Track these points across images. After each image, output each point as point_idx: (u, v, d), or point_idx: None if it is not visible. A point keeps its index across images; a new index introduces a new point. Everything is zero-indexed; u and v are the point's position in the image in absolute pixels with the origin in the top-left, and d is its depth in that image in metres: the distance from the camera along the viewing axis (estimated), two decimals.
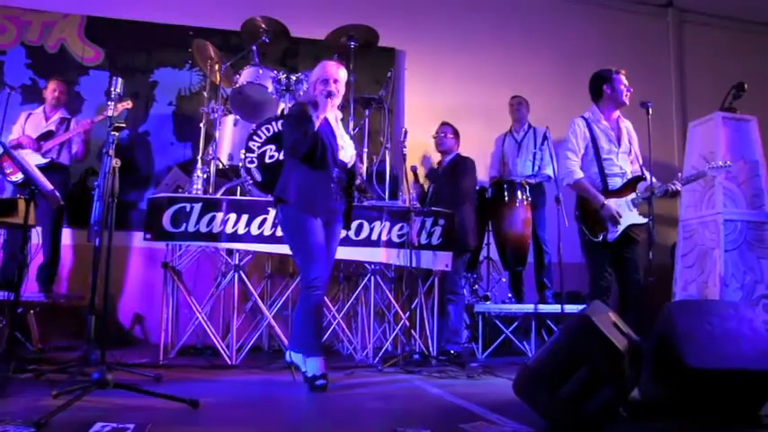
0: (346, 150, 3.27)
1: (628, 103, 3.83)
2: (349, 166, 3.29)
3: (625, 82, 3.81)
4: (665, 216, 5.53)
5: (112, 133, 2.80)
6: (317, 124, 3.13)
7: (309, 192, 3.16)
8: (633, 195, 3.69)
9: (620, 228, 3.65)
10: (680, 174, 3.89)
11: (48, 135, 4.78)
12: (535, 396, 2.28)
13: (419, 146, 5.41)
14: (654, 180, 3.68)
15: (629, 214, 3.67)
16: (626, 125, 3.88)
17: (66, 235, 5.08)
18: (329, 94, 3.18)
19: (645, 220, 3.66)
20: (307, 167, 3.18)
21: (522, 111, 5.43)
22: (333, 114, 3.28)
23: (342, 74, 3.28)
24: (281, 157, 4.23)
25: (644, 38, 6.81)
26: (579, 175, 3.77)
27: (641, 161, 3.88)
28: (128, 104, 4.78)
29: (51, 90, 4.94)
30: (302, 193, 3.16)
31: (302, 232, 3.14)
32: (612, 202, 3.67)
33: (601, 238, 3.68)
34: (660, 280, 4.93)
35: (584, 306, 2.94)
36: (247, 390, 3.11)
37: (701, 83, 6.69)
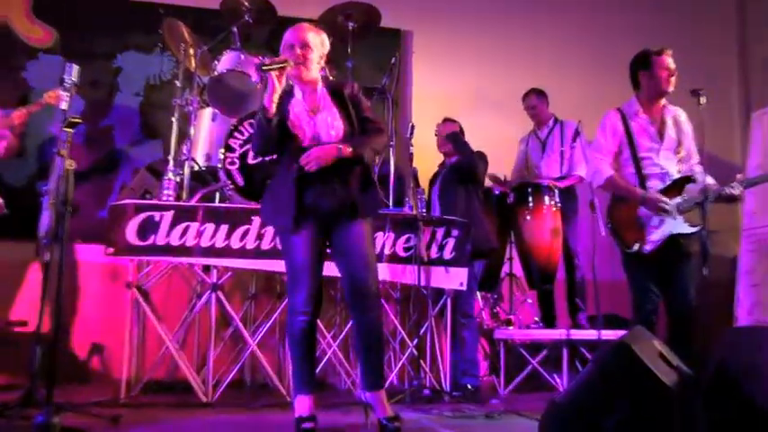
0: (322, 129, 3.06)
1: (670, 90, 3.73)
2: (333, 141, 3.05)
3: (668, 65, 3.70)
4: (726, 224, 5.45)
5: (65, 130, 2.79)
6: (271, 108, 2.94)
7: (279, 198, 3.05)
8: (679, 199, 3.60)
9: (660, 236, 3.58)
10: (739, 174, 3.77)
11: None
12: None
13: (429, 144, 5.39)
14: (710, 181, 3.60)
15: (672, 222, 3.57)
16: (674, 116, 3.78)
17: (5, 249, 5.05)
18: (295, 63, 2.99)
19: (694, 229, 3.54)
20: (279, 167, 3.11)
21: (538, 111, 5.41)
22: (306, 87, 3.13)
23: (312, 37, 3.08)
24: (268, 157, 4.23)
25: (698, 11, 6.74)
26: (609, 172, 3.72)
27: (698, 158, 3.78)
28: (53, 97, 4.57)
29: None
30: (273, 202, 3.09)
31: (284, 249, 3.08)
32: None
33: (636, 248, 3.61)
34: (719, 302, 4.92)
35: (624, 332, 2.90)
36: None
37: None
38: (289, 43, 3.06)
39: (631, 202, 3.66)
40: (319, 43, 3.11)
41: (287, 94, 3.09)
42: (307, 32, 3.08)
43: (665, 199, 3.56)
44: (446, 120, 4.96)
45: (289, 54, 3.02)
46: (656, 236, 3.58)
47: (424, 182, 5.01)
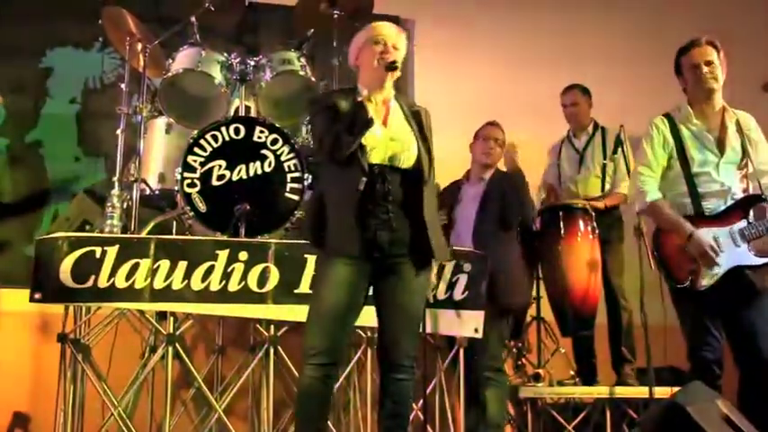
0: (402, 147, 3.11)
1: (711, 87, 3.73)
2: (406, 167, 3.12)
3: (701, 58, 3.70)
4: None
5: None
6: (371, 109, 2.99)
7: (332, 216, 3.10)
8: (743, 224, 3.63)
9: (720, 270, 3.59)
10: None
11: None
12: None
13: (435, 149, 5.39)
14: None
15: (735, 251, 3.59)
16: (738, 122, 3.79)
17: None
18: (390, 66, 3.07)
19: (760, 261, 3.56)
20: (336, 180, 3.13)
21: (579, 110, 5.35)
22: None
23: (401, 41, 3.19)
24: (235, 177, 4.28)
25: None
26: (654, 195, 3.75)
27: None
28: None
29: None
30: (321, 218, 3.14)
31: (319, 280, 3.18)
32: (708, 233, 3.62)
33: (688, 284, 3.64)
34: None
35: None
36: None
37: None
38: (372, 38, 3.16)
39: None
40: (404, 44, 3.22)
41: (352, 93, 3.18)
42: (394, 30, 3.21)
43: (711, 242, 3.55)
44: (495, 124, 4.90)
45: (371, 51, 3.13)
46: (715, 269, 3.58)
47: None
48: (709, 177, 3.72)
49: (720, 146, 3.74)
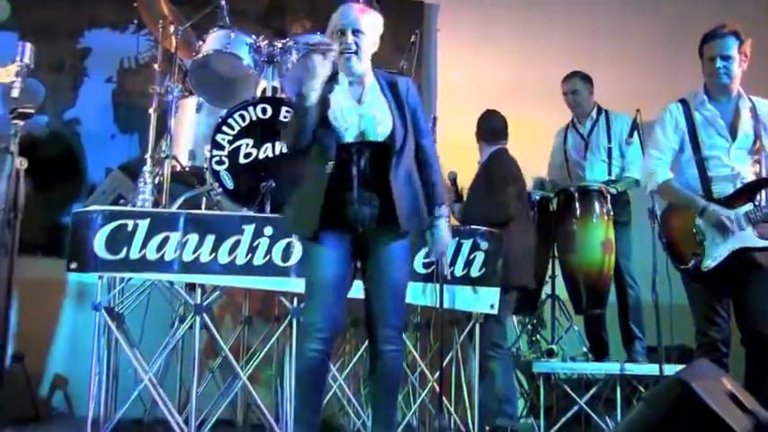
0: (373, 122, 3.11)
1: (723, 83, 3.69)
2: (381, 140, 3.12)
3: (718, 51, 3.64)
4: None
5: (15, 122, 2.82)
6: (312, 96, 3.02)
7: (306, 200, 3.13)
8: (750, 207, 3.59)
9: (722, 252, 3.58)
10: None
11: None
12: None
13: (456, 138, 5.38)
14: None
15: (740, 233, 3.56)
16: (753, 108, 3.75)
17: None
18: (344, 52, 3.08)
19: (766, 243, 3.54)
20: (312, 167, 3.17)
21: (579, 98, 5.28)
22: (352, 79, 3.21)
23: (367, 21, 3.17)
24: (262, 155, 4.30)
25: None
26: (666, 175, 3.74)
27: None
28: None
29: None
30: (299, 204, 3.19)
31: (307, 261, 3.23)
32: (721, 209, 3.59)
33: (692, 264, 3.63)
34: None
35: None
36: None
37: None
38: (338, 28, 3.15)
39: (689, 211, 3.67)
40: (372, 27, 3.20)
41: (329, 81, 3.15)
42: (359, 15, 3.17)
43: (728, 213, 3.55)
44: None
45: (338, 40, 3.12)
46: (718, 251, 3.59)
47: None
48: (720, 162, 3.69)
49: (733, 131, 3.71)
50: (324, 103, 3.07)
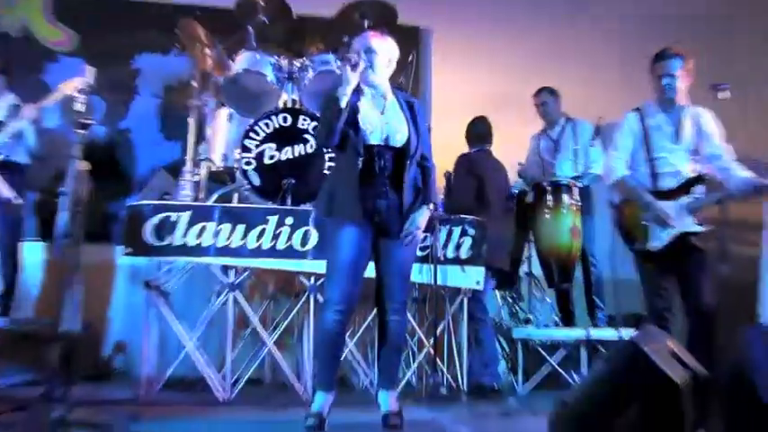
0: (395, 129, 3.17)
1: (669, 98, 3.69)
2: (399, 145, 3.18)
3: (662, 71, 3.66)
4: (748, 221, 5.38)
5: (78, 131, 2.83)
6: (342, 101, 3.05)
7: (338, 191, 3.16)
8: (688, 199, 3.61)
9: (666, 236, 3.60)
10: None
11: None
12: None
13: (448, 145, 5.36)
14: (747, 175, 3.56)
15: (682, 220, 3.58)
16: (694, 116, 3.74)
17: (36, 250, 5.17)
18: (353, 66, 3.11)
19: (703, 228, 3.56)
20: (340, 162, 3.26)
21: (548, 109, 5.31)
22: (369, 90, 3.26)
23: (377, 44, 3.23)
24: (283, 157, 4.31)
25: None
26: (623, 171, 3.76)
27: (730, 156, 3.71)
28: (69, 87, 4.42)
29: None
30: (331, 194, 3.20)
31: (332, 243, 3.20)
32: (663, 205, 3.63)
33: (641, 246, 3.67)
34: (741, 302, 4.85)
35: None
36: (239, 431, 3.13)
37: None
38: (355, 50, 3.21)
39: (639, 203, 3.70)
40: (383, 49, 3.25)
41: (356, 92, 3.19)
42: (371, 39, 3.24)
43: (668, 211, 3.58)
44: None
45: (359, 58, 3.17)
46: (663, 234, 3.61)
47: None
48: (666, 161, 3.71)
49: (677, 136, 3.73)
50: (353, 109, 3.12)
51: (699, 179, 3.67)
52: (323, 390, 3.12)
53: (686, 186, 3.66)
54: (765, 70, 6.04)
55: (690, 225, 3.57)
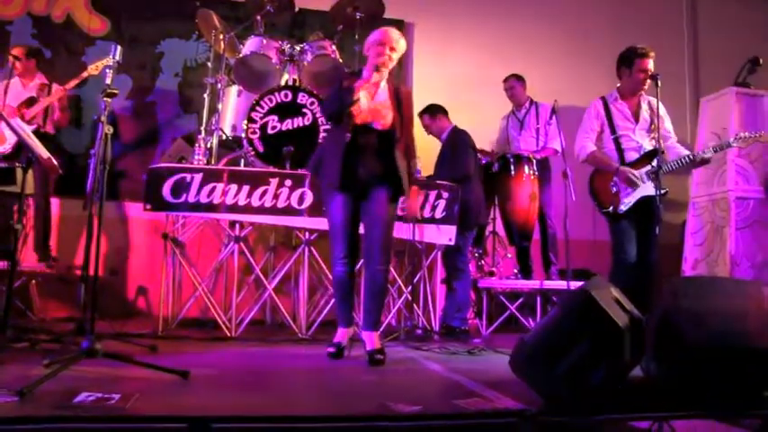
0: (379, 115, 3.10)
1: (645, 89, 3.73)
2: (383, 129, 3.11)
3: (647, 68, 3.66)
4: (677, 194, 5.34)
5: (105, 99, 2.70)
6: (355, 96, 2.97)
7: (325, 159, 3.14)
8: (648, 167, 3.65)
9: (631, 199, 3.63)
10: (699, 151, 3.82)
11: (30, 102, 4.59)
12: (532, 372, 2.19)
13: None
14: (685, 152, 3.68)
15: (644, 186, 3.63)
16: (649, 102, 3.80)
17: (68, 206, 5.02)
18: (377, 68, 3.05)
19: (657, 192, 3.52)
20: (331, 135, 3.20)
21: (515, 92, 5.24)
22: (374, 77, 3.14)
23: (399, 42, 3.13)
24: (284, 127, 4.17)
25: (656, 10, 6.54)
26: (592, 148, 3.80)
27: (675, 138, 3.82)
28: (96, 67, 4.35)
29: (14, 58, 4.62)
30: (323, 162, 3.17)
31: (326, 208, 3.22)
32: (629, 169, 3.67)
33: (611, 209, 3.67)
34: (670, 259, 4.83)
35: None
36: (242, 361, 3.06)
37: (715, 56, 6.39)
38: (380, 41, 3.11)
39: (607, 172, 3.71)
40: (402, 47, 3.17)
41: (357, 75, 3.14)
42: (396, 36, 3.13)
43: (634, 172, 3.63)
44: (424, 112, 4.76)
45: (376, 50, 3.09)
46: (628, 198, 3.66)
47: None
48: (629, 138, 3.79)
49: (636, 117, 3.80)
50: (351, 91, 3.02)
51: (654, 152, 3.70)
52: (342, 325, 3.18)
53: (646, 158, 3.72)
54: None
55: (650, 189, 3.61)
